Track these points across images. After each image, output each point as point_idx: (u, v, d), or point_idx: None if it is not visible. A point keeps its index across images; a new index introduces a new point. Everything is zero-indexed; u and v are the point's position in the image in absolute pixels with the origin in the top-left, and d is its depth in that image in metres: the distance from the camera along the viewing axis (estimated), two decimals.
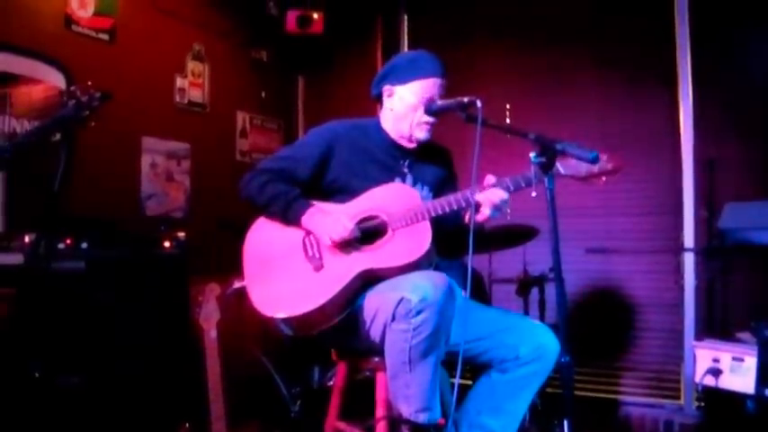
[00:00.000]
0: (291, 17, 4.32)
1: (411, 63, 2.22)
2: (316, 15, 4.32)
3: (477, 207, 2.01)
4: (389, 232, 2.07)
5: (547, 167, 1.65)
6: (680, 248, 3.58)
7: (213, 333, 2.74)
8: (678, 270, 3.69)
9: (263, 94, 4.54)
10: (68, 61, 3.26)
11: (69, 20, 3.32)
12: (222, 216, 3.51)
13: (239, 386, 2.92)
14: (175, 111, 3.93)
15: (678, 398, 3.69)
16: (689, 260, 3.66)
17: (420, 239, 2.02)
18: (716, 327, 3.22)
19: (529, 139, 1.69)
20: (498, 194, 1.99)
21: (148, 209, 3.71)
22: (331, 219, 2.07)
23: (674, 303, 3.70)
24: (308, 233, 2.12)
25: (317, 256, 2.08)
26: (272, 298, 2.04)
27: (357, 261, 2.03)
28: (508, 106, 4.05)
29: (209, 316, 2.74)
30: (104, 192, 3.39)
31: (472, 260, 2.97)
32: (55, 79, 3.24)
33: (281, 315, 2.01)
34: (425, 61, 2.21)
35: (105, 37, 3.49)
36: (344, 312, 2.02)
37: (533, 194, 1.69)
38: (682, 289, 3.67)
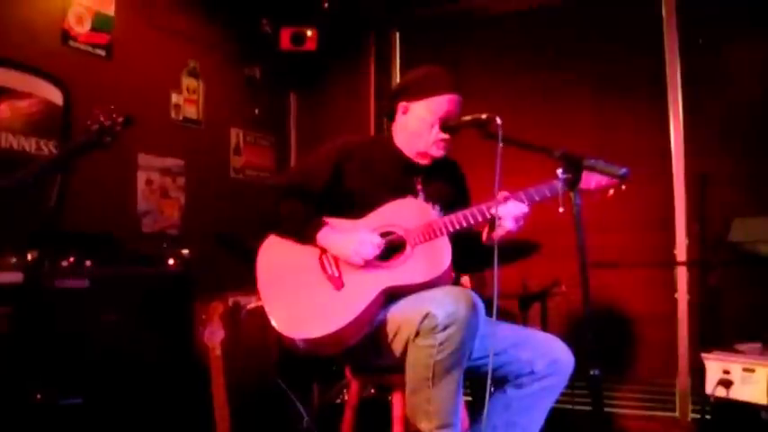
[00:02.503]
0: (285, 35, 4.33)
1: (427, 79, 2.21)
2: (309, 33, 4.34)
3: (496, 222, 2.02)
4: (408, 248, 2.06)
5: (573, 183, 1.67)
6: (675, 262, 3.65)
7: (218, 352, 2.72)
8: (672, 284, 3.76)
9: (257, 111, 4.53)
10: (66, 77, 3.22)
11: (67, 35, 3.29)
12: (220, 233, 3.50)
13: (244, 405, 2.88)
14: (171, 127, 3.91)
15: (673, 410, 3.74)
16: (682, 274, 3.72)
17: (440, 256, 2.01)
18: (712, 339, 3.26)
19: (554, 156, 1.71)
20: (519, 207, 2.00)
21: (144, 226, 3.67)
22: (355, 238, 2.04)
23: (668, 317, 3.76)
24: (325, 250, 2.09)
25: (337, 274, 2.04)
26: (295, 319, 2.00)
27: (379, 278, 2.01)
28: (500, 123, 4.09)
29: (213, 335, 2.73)
30: (101, 209, 3.35)
31: (474, 277, 2.98)
32: (52, 94, 3.19)
33: (306, 337, 1.97)
34: (441, 77, 2.20)
35: (102, 53, 3.47)
36: (366, 331, 2.00)
37: (560, 210, 1.71)
38: (675, 302, 3.74)
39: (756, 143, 3.57)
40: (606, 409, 3.86)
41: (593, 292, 4.06)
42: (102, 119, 2.21)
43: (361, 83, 4.68)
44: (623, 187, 2.10)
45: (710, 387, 2.54)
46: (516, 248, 3.17)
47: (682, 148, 3.78)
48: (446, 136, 2.19)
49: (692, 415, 3.65)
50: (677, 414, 3.72)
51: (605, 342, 3.89)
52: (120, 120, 2.23)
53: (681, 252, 3.73)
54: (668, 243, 3.79)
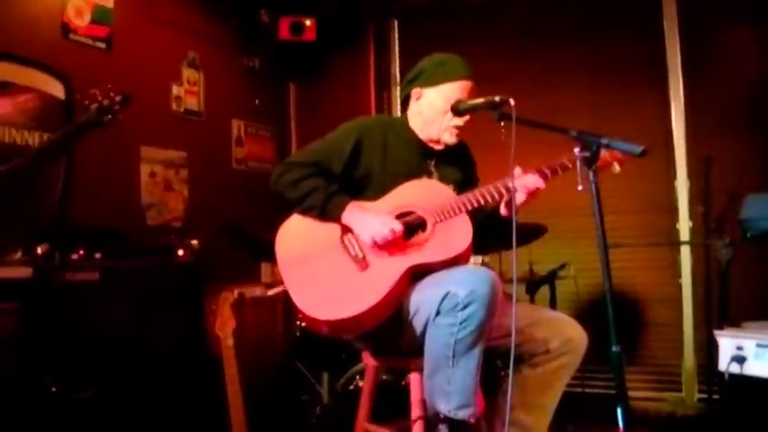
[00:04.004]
0: (284, 24, 4.31)
1: (440, 66, 2.23)
2: (308, 22, 4.32)
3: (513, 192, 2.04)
4: (429, 227, 2.07)
5: (591, 162, 1.68)
6: (680, 242, 3.67)
7: (230, 341, 2.72)
8: (676, 265, 3.78)
9: (257, 102, 4.52)
10: (66, 69, 3.19)
11: (67, 28, 3.27)
12: (224, 225, 3.50)
13: (258, 393, 2.89)
14: (172, 119, 3.89)
15: (679, 390, 3.77)
16: (686, 255, 3.75)
17: (461, 233, 2.03)
18: (717, 318, 3.29)
19: (570, 135, 1.72)
20: (534, 181, 2.02)
21: (149, 219, 3.66)
22: (376, 220, 2.04)
23: (673, 298, 3.79)
24: (346, 229, 2.09)
25: (361, 255, 2.04)
26: (321, 300, 1.99)
27: (403, 258, 2.02)
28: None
29: (224, 325, 2.72)
30: (105, 203, 3.34)
31: (485, 259, 2.98)
32: (54, 88, 3.17)
33: (333, 318, 1.97)
34: (454, 64, 2.22)
35: (102, 45, 3.44)
36: (391, 311, 1.99)
37: (579, 188, 1.71)
38: (680, 283, 3.76)
39: (758, 123, 3.59)
40: (612, 392, 3.87)
41: (596, 274, 4.06)
42: (100, 98, 2.17)
43: (360, 72, 4.66)
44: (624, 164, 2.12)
45: (724, 364, 2.56)
46: (524, 231, 3.18)
47: (683, 130, 3.80)
48: (459, 122, 2.20)
49: (697, 395, 3.69)
50: (684, 394, 3.75)
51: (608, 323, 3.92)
52: (119, 98, 2.19)
53: (684, 233, 3.76)
54: (671, 225, 3.82)
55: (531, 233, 3.16)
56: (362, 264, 2.03)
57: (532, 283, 3.33)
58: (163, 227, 3.71)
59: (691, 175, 3.76)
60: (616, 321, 1.67)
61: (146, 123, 3.65)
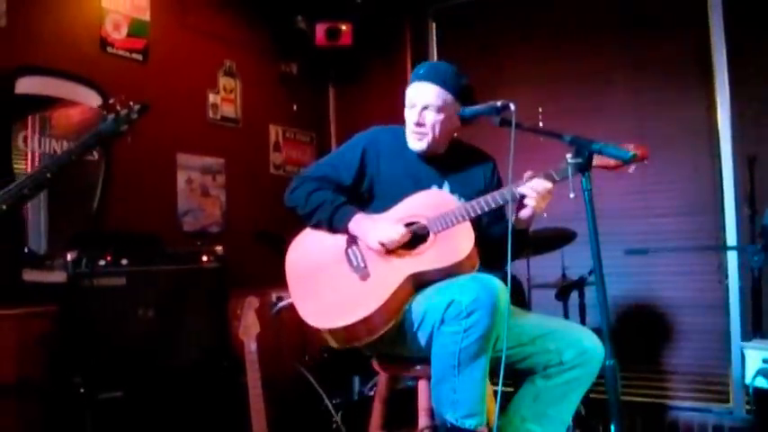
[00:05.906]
0: (320, 30, 4.36)
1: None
2: (344, 27, 4.36)
3: (521, 202, 2.01)
4: (431, 236, 2.07)
5: (584, 168, 1.63)
6: (724, 246, 3.49)
7: (253, 346, 2.76)
8: (721, 270, 3.60)
9: (295, 108, 4.58)
10: (104, 82, 3.31)
11: (104, 42, 3.40)
12: (260, 230, 3.56)
13: (280, 399, 2.92)
14: (209, 126, 3.98)
15: (727, 401, 3.59)
16: (732, 259, 3.57)
17: (462, 240, 2.01)
18: (762, 327, 3.11)
19: (564, 141, 1.67)
20: (542, 184, 1.97)
21: (186, 225, 3.76)
22: (381, 224, 2.08)
23: (719, 304, 3.61)
24: (350, 243, 2.12)
25: (362, 265, 2.07)
26: (322, 311, 2.04)
27: (403, 266, 2.03)
28: (540, 109, 4.02)
29: (248, 329, 2.76)
30: (142, 209, 3.45)
31: (512, 266, 2.94)
32: (93, 100, 3.30)
33: (334, 326, 1.99)
34: (418, 67, 2.27)
35: (139, 57, 3.56)
36: (395, 319, 2.00)
37: (571, 195, 1.66)
38: (726, 289, 3.58)
39: None
40: (657, 401, 3.74)
41: (639, 278, 3.93)
42: (118, 107, 2.23)
43: (398, 75, 4.63)
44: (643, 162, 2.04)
45: (750, 377, 2.42)
46: (553, 237, 3.12)
47: (729, 129, 3.61)
48: (415, 128, 2.19)
49: (746, 407, 3.50)
50: (731, 405, 3.57)
51: (652, 331, 3.77)
52: (137, 107, 2.24)
53: (731, 236, 3.57)
54: (717, 227, 3.64)
55: (559, 239, 3.10)
56: (363, 273, 2.06)
57: (563, 289, 3.25)
58: (199, 232, 3.80)
59: (737, 176, 3.56)
60: (613, 334, 1.62)
61: (182, 131, 3.76)
